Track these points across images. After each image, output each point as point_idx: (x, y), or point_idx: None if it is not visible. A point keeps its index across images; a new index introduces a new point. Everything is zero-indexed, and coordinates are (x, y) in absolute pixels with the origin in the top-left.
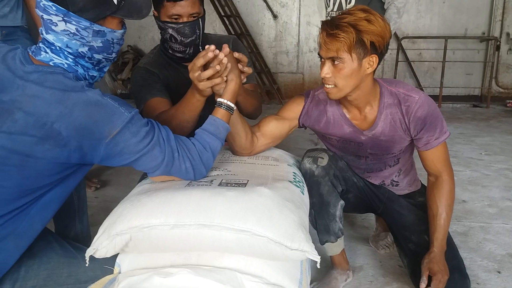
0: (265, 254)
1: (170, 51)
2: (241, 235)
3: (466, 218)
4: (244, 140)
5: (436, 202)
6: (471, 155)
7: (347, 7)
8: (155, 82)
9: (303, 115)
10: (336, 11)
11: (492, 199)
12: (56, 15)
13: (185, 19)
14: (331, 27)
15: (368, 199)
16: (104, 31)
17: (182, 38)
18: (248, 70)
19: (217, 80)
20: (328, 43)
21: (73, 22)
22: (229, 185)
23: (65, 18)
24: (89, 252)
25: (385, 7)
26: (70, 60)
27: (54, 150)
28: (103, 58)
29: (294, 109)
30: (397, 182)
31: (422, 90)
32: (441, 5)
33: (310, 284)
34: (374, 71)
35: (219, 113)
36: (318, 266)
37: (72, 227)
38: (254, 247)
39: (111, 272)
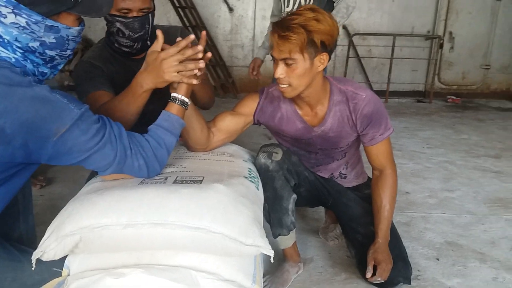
0: (220, 250)
1: (116, 45)
2: (196, 233)
3: (408, 209)
4: (199, 134)
5: (380, 195)
6: (415, 149)
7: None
8: (99, 75)
9: (258, 111)
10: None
11: (432, 190)
12: (5, 6)
13: (134, 14)
14: (282, 29)
15: (319, 193)
16: (57, 27)
17: (130, 33)
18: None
19: (189, 73)
20: (281, 45)
21: (24, 15)
22: (184, 182)
23: (15, 10)
24: (36, 254)
25: (335, 5)
26: (19, 54)
27: None
28: (56, 55)
29: (249, 105)
30: (345, 174)
31: (371, 85)
32: (391, 4)
33: (263, 277)
34: (325, 68)
35: (174, 109)
36: (272, 261)
37: (16, 227)
38: (209, 244)
39: (60, 274)
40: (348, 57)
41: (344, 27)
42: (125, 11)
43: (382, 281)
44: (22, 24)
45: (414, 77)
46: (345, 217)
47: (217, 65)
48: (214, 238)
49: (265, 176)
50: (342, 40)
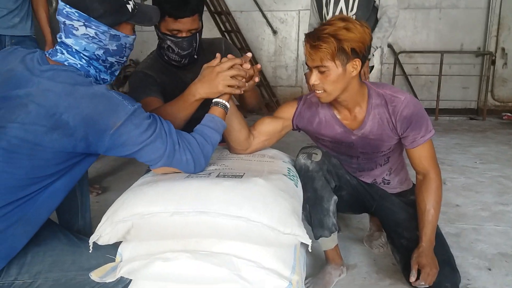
0: (260, 239)
1: (166, 58)
2: (237, 221)
3: (458, 221)
4: (240, 135)
5: (424, 199)
6: (466, 164)
7: (348, 14)
8: (152, 84)
9: (296, 116)
10: None
11: (485, 204)
12: (78, 20)
13: (184, 34)
14: (313, 39)
15: (362, 197)
16: (119, 35)
17: (179, 50)
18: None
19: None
20: (312, 54)
21: (93, 27)
22: (226, 176)
23: (86, 23)
24: (92, 238)
25: (378, 17)
26: (84, 61)
27: (62, 139)
28: (115, 61)
29: (288, 110)
30: (388, 180)
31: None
32: (437, 22)
33: (305, 279)
34: (360, 73)
35: (216, 111)
36: (310, 250)
37: (75, 222)
38: (249, 233)
39: (113, 260)
40: (394, 75)
41: (390, 46)
42: (176, 31)
43: (427, 286)
44: (92, 35)
45: (466, 94)
46: (390, 222)
47: (261, 85)
48: (254, 227)
49: (305, 177)
50: (388, 58)
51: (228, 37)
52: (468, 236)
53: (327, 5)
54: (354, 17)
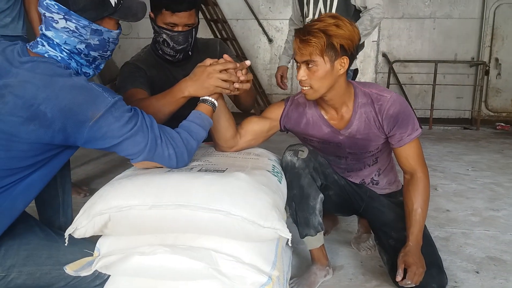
0: (240, 233)
1: (160, 52)
2: (216, 215)
3: (448, 225)
4: (227, 133)
5: (411, 198)
6: (458, 171)
7: None
8: (141, 76)
9: (284, 117)
10: None
11: (476, 209)
12: (57, 13)
13: (180, 28)
14: (303, 33)
15: (350, 197)
16: (101, 30)
17: (175, 44)
18: (249, 77)
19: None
20: (302, 48)
21: (73, 21)
22: (208, 171)
23: (66, 17)
24: (68, 231)
25: (361, 15)
26: (65, 54)
27: (39, 130)
28: (98, 55)
29: (275, 111)
30: (377, 181)
31: (414, 112)
32: (431, 31)
33: (290, 280)
34: (347, 72)
35: (204, 108)
36: (290, 244)
37: (56, 219)
38: (228, 227)
39: (91, 255)
40: (388, 84)
41: (384, 55)
42: (172, 25)
43: (413, 285)
44: (72, 29)
45: (460, 104)
46: (378, 223)
47: (257, 93)
48: (234, 221)
49: (291, 174)
50: (382, 67)
51: None
52: (457, 240)
53: (308, 3)
54: None
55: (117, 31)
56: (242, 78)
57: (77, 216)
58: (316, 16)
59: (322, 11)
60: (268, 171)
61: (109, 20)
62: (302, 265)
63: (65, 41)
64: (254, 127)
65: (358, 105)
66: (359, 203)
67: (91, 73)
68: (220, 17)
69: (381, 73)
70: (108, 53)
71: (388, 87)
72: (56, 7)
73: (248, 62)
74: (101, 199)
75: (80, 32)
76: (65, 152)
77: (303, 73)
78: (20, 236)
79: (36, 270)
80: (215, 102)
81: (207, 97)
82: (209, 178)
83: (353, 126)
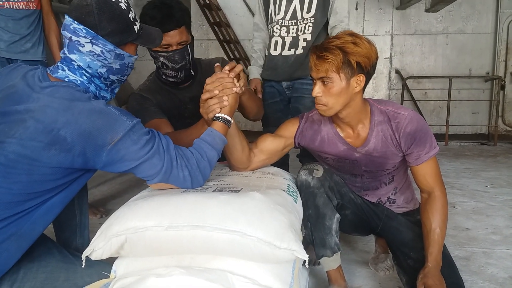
0: (256, 254)
1: (164, 77)
2: (232, 236)
3: (469, 244)
4: (241, 153)
5: (429, 218)
6: (477, 188)
7: (304, 16)
8: (150, 105)
9: (298, 134)
10: (289, 20)
11: (496, 227)
12: (85, 37)
13: (174, 48)
14: (320, 50)
15: (367, 217)
16: (123, 55)
17: (172, 64)
18: (241, 83)
19: (213, 101)
20: (318, 64)
21: (100, 45)
22: (223, 191)
23: (93, 41)
24: (85, 253)
25: (332, 23)
26: (85, 78)
27: (60, 155)
28: (116, 79)
29: (290, 129)
30: (394, 199)
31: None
32: (444, 47)
33: None
34: (364, 90)
35: (216, 126)
36: (307, 266)
37: (73, 240)
38: (244, 248)
39: (108, 277)
40: (402, 100)
41: (397, 71)
42: (166, 46)
43: None
44: (97, 52)
45: (476, 119)
46: (396, 242)
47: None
48: (250, 242)
49: (306, 193)
50: (395, 84)
51: (227, 48)
52: (478, 259)
53: (275, 2)
54: (312, 19)
55: (136, 56)
56: (237, 90)
57: (94, 237)
58: (290, 14)
59: (298, 10)
60: (284, 190)
61: (130, 46)
62: (319, 286)
63: (88, 64)
64: (269, 146)
65: (374, 123)
66: (377, 222)
67: (108, 97)
68: (233, 37)
69: (394, 89)
70: (125, 77)
71: (402, 103)
72: (84, 31)
73: (234, 66)
74: (118, 221)
75: (105, 56)
76: (84, 176)
77: (318, 89)
78: (39, 259)
79: None
80: (228, 117)
81: (219, 114)
82: (224, 198)
83: (370, 144)
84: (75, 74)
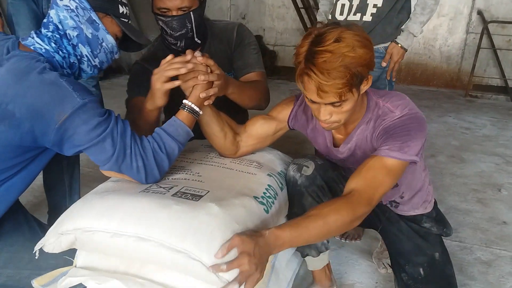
0: (200, 278)
1: (166, 42)
2: (176, 255)
3: (497, 244)
4: (223, 141)
5: (328, 205)
6: None
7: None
8: (147, 80)
9: (292, 117)
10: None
11: None
12: None
13: (173, 13)
14: (321, 74)
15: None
16: (98, 25)
17: (171, 31)
18: (212, 77)
19: (177, 82)
20: (325, 94)
21: (77, 0)
22: (183, 196)
23: None
24: (37, 246)
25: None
26: (53, 45)
27: (8, 131)
28: (86, 54)
29: (283, 111)
30: (398, 203)
31: (506, 82)
32: None
33: None
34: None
35: (181, 115)
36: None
37: (63, 205)
38: (189, 269)
39: (71, 263)
40: (479, 47)
41: (479, 12)
42: (164, 10)
43: None
44: (72, 7)
45: None
46: (393, 250)
47: None
48: (194, 265)
49: (293, 191)
50: (475, 27)
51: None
52: (501, 267)
53: None
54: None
55: (114, 41)
56: (201, 78)
57: (48, 230)
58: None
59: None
60: (256, 197)
61: (111, 22)
62: (309, 278)
63: (61, 21)
64: (259, 130)
65: (364, 120)
66: (376, 223)
67: (76, 64)
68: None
69: (473, 33)
70: (97, 60)
71: (478, 51)
72: None
73: (197, 55)
74: (69, 218)
75: (78, 13)
76: (43, 155)
77: (327, 113)
78: (5, 236)
79: (16, 274)
80: (195, 107)
81: (185, 101)
82: (177, 210)
83: (351, 142)
84: (43, 41)
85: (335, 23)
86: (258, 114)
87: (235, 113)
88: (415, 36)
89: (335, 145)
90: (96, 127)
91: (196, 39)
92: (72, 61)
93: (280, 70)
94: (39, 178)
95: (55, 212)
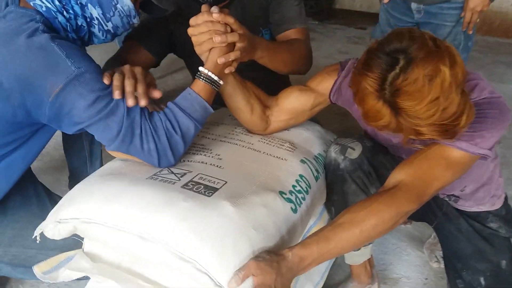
0: None
1: None
2: (182, 263)
3: None
4: (250, 115)
5: (364, 208)
6: None
7: None
8: (157, 30)
9: (335, 91)
10: None
11: None
12: None
13: None
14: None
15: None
16: None
17: None
18: (231, 38)
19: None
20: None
21: None
22: (195, 188)
23: None
24: (37, 231)
25: None
26: (57, 3)
27: None
28: (97, 17)
29: (324, 82)
30: (458, 197)
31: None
32: None
33: None
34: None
35: (197, 86)
36: None
37: (84, 170)
38: (196, 279)
39: (80, 246)
40: None
41: None
42: None
43: None
44: None
45: None
46: (449, 251)
47: None
48: (201, 277)
49: (333, 176)
50: None
51: None
52: None
53: None
54: None
55: (131, 4)
56: (218, 39)
57: (49, 215)
58: None
59: None
60: (282, 193)
61: None
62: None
63: None
64: (293, 103)
65: None
66: (430, 218)
67: (85, 27)
68: None
69: None
70: (110, 24)
71: None
72: None
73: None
74: (68, 204)
75: None
76: (43, 131)
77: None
78: (11, 211)
79: (22, 253)
80: (213, 76)
81: (201, 69)
82: (185, 208)
83: None
84: None
85: None
86: (295, 85)
87: (272, 81)
88: None
89: None
90: (96, 101)
91: None
92: (80, 23)
93: (337, 13)
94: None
95: (75, 177)
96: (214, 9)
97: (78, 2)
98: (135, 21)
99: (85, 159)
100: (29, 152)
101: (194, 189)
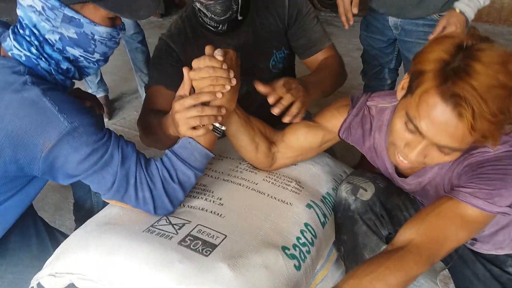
0: None
1: (200, 19)
2: None
3: None
4: (254, 154)
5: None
6: None
7: None
8: (171, 62)
9: (344, 129)
10: None
11: None
12: None
13: None
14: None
15: None
16: (79, 20)
17: (213, 15)
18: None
19: (192, 112)
20: (444, 131)
21: None
22: (193, 243)
23: None
24: (33, 282)
25: None
26: (34, 51)
27: None
28: (80, 55)
29: (333, 119)
30: (475, 240)
31: None
32: None
33: None
34: None
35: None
36: None
37: (88, 199)
38: None
39: None
40: None
41: None
42: None
43: None
44: (38, 9)
45: None
46: None
47: None
48: None
49: (344, 216)
50: None
51: None
52: None
53: None
54: None
55: (109, 28)
56: (219, 95)
57: (45, 264)
58: None
59: None
60: (285, 249)
61: (94, 10)
62: None
63: (35, 24)
64: (301, 141)
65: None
66: (446, 259)
67: (72, 70)
68: None
69: None
70: (96, 55)
71: None
72: None
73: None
74: (64, 256)
75: (48, 16)
76: (37, 180)
77: (422, 155)
78: (11, 253)
79: None
80: (216, 124)
81: None
82: (180, 271)
83: (425, 176)
84: (21, 46)
85: None
86: (302, 121)
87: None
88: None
89: (400, 174)
90: (90, 155)
91: (238, 16)
92: (65, 67)
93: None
94: None
95: (79, 207)
96: (218, 52)
97: (56, 48)
98: (121, 35)
99: (89, 188)
100: (26, 197)
101: (191, 246)
